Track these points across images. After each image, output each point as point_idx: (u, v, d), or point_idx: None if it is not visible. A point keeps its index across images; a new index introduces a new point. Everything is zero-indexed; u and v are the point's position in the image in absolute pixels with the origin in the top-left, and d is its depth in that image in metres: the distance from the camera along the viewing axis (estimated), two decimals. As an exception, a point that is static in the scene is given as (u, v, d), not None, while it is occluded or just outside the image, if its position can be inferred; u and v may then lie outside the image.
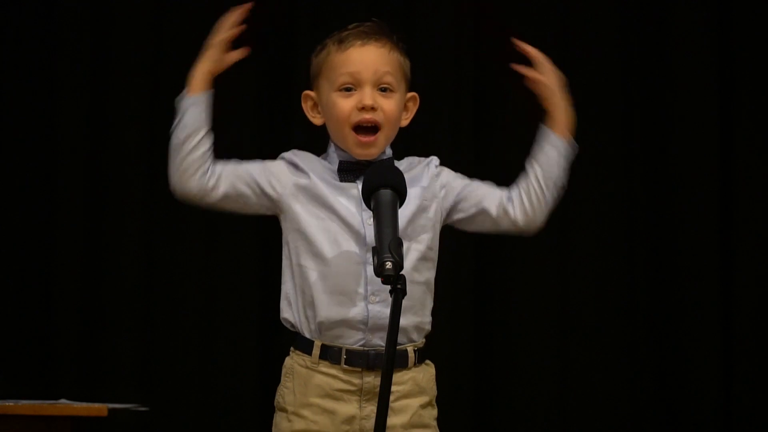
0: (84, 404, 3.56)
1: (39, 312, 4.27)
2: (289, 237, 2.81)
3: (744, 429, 4.26)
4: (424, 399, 2.80)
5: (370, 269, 2.66)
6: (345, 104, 2.79)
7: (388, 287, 2.43)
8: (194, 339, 4.27)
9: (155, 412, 4.03)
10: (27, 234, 4.30)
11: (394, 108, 2.81)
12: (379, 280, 2.59)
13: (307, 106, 2.89)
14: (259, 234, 4.21)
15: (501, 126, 4.37)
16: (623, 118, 4.37)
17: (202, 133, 2.79)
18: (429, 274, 2.82)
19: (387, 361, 2.41)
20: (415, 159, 2.89)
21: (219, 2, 4.36)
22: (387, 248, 2.47)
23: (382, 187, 2.58)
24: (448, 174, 2.90)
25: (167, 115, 4.31)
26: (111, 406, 3.52)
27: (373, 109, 2.78)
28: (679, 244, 4.32)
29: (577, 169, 4.34)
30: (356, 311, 2.73)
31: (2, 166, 4.31)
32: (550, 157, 2.89)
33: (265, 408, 4.18)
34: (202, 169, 2.77)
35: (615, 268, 4.34)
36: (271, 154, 4.27)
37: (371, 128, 2.79)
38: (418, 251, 2.79)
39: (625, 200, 4.36)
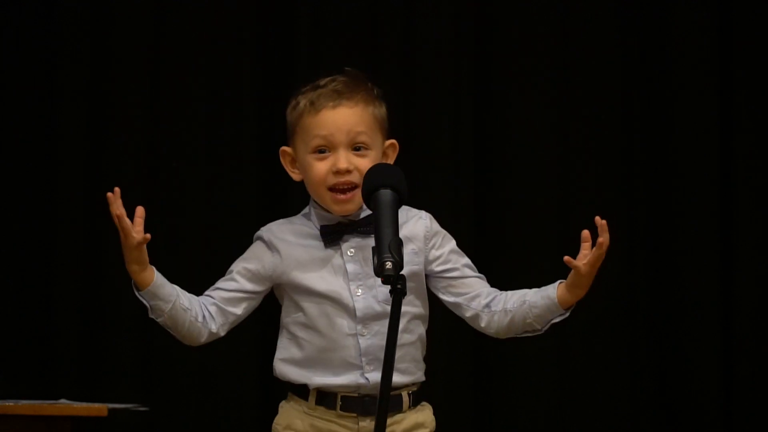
0: (84, 404, 3.56)
1: (39, 312, 4.27)
2: (284, 305, 2.86)
3: (744, 429, 4.26)
4: (423, 430, 2.83)
5: (363, 340, 2.75)
6: (320, 167, 2.79)
7: (383, 356, 2.44)
8: (194, 339, 4.26)
9: (155, 412, 4.03)
10: (27, 234, 4.30)
11: (370, 165, 2.78)
12: (373, 350, 2.68)
13: (285, 162, 2.89)
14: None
15: (502, 127, 4.38)
16: (623, 118, 4.37)
17: (178, 303, 2.79)
18: (421, 330, 2.85)
19: (386, 361, 2.41)
20: (404, 210, 2.84)
21: (219, 2, 4.38)
22: (387, 248, 2.47)
23: (382, 187, 2.57)
24: (443, 243, 2.89)
25: (167, 115, 4.35)
26: (111, 406, 3.52)
27: (348, 171, 2.77)
28: (679, 244, 4.32)
29: (578, 169, 4.38)
30: (352, 380, 2.77)
31: (2, 166, 4.31)
32: (543, 315, 2.82)
33: (266, 408, 4.19)
34: (202, 329, 2.81)
35: (615, 268, 4.34)
36: (271, 155, 4.29)
37: (348, 189, 2.79)
38: (410, 314, 2.81)
39: (625, 200, 4.36)
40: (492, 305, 2.84)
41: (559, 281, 2.81)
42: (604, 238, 2.73)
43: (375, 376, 2.74)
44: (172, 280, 4.27)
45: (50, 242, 4.28)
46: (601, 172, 4.35)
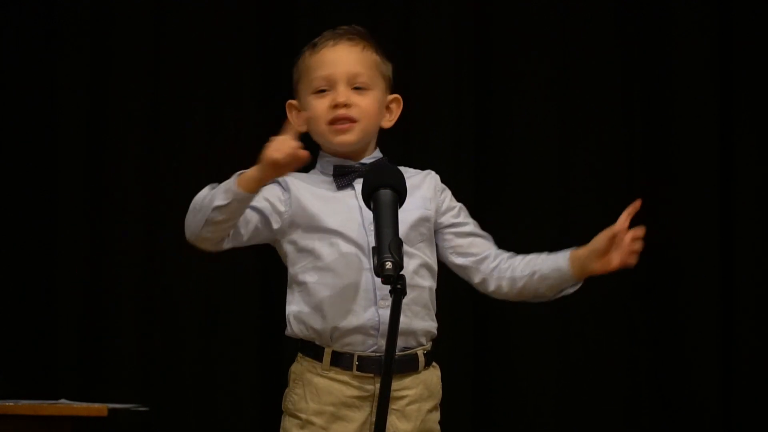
0: (84, 404, 3.56)
1: (39, 312, 4.27)
2: (291, 258, 2.81)
3: (744, 429, 4.26)
4: (431, 403, 2.81)
5: None
6: (320, 104, 2.81)
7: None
8: (194, 339, 4.27)
9: (155, 412, 4.03)
10: (27, 234, 4.30)
11: (370, 103, 2.81)
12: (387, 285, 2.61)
13: (291, 116, 2.88)
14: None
15: (502, 126, 4.38)
16: (623, 117, 4.37)
17: (237, 222, 2.72)
18: (431, 282, 2.83)
19: (387, 359, 2.41)
20: (410, 169, 2.87)
21: (219, 2, 4.39)
22: (387, 248, 2.47)
23: (381, 187, 2.58)
24: (453, 198, 2.90)
25: (168, 115, 4.35)
26: (111, 406, 3.52)
27: (346, 106, 2.78)
28: (679, 244, 4.32)
29: (578, 168, 4.38)
30: (367, 317, 2.73)
31: (2, 166, 4.31)
32: (556, 285, 2.81)
33: (265, 408, 4.20)
34: (221, 241, 2.75)
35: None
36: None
37: (346, 120, 2.79)
38: (421, 258, 2.79)
39: (625, 200, 4.35)
40: (501, 269, 2.83)
41: (569, 251, 2.78)
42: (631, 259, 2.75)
43: (387, 311, 2.62)
44: (173, 281, 4.31)
45: (50, 242, 4.28)
46: (601, 171, 4.36)
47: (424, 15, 4.36)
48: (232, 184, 2.65)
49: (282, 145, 2.60)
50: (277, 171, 2.62)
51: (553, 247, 4.27)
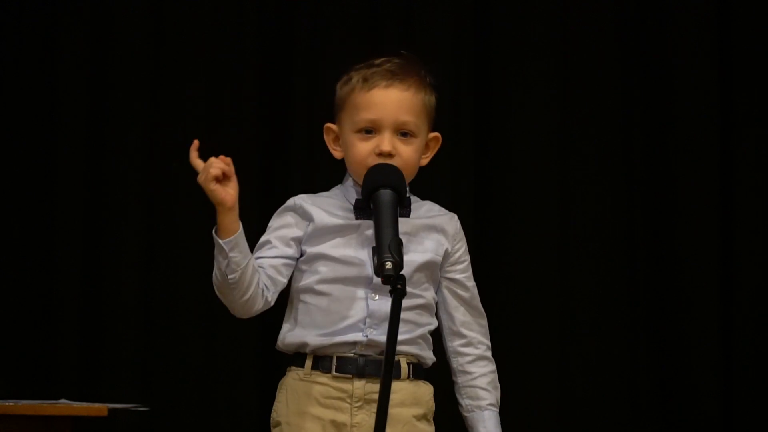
0: (84, 404, 3.55)
1: (39, 312, 4.27)
2: (296, 275, 2.82)
3: (744, 429, 4.26)
4: (418, 410, 2.80)
5: (373, 303, 2.72)
6: (363, 147, 2.76)
7: (386, 318, 2.41)
8: (194, 339, 4.27)
9: (155, 412, 4.03)
10: (27, 234, 4.30)
11: (412, 154, 2.78)
12: (378, 313, 2.65)
13: (328, 139, 2.86)
14: (260, 234, 4.20)
15: (501, 127, 4.38)
16: (623, 118, 4.37)
17: (251, 263, 2.71)
18: (429, 319, 2.83)
19: (387, 356, 2.40)
20: (435, 206, 2.87)
21: (219, 2, 4.39)
22: (387, 248, 2.47)
23: (381, 187, 2.58)
24: (465, 252, 2.88)
25: (167, 115, 4.35)
26: (111, 406, 3.51)
27: (390, 155, 2.74)
28: (679, 244, 4.32)
29: (578, 169, 4.38)
30: (352, 338, 2.74)
31: (2, 166, 4.31)
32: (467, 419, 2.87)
33: (265, 408, 4.19)
34: (260, 298, 2.74)
35: (615, 268, 4.34)
36: (270, 157, 4.30)
37: None
38: (423, 299, 2.80)
39: (625, 199, 4.36)
40: (460, 361, 2.85)
41: None
42: None
43: (376, 333, 2.71)
44: (173, 282, 4.31)
45: (50, 242, 4.28)
46: (601, 172, 4.35)
47: (424, 15, 4.36)
48: (217, 241, 2.67)
49: (209, 170, 2.66)
50: (222, 196, 2.63)
51: (553, 251, 4.30)
